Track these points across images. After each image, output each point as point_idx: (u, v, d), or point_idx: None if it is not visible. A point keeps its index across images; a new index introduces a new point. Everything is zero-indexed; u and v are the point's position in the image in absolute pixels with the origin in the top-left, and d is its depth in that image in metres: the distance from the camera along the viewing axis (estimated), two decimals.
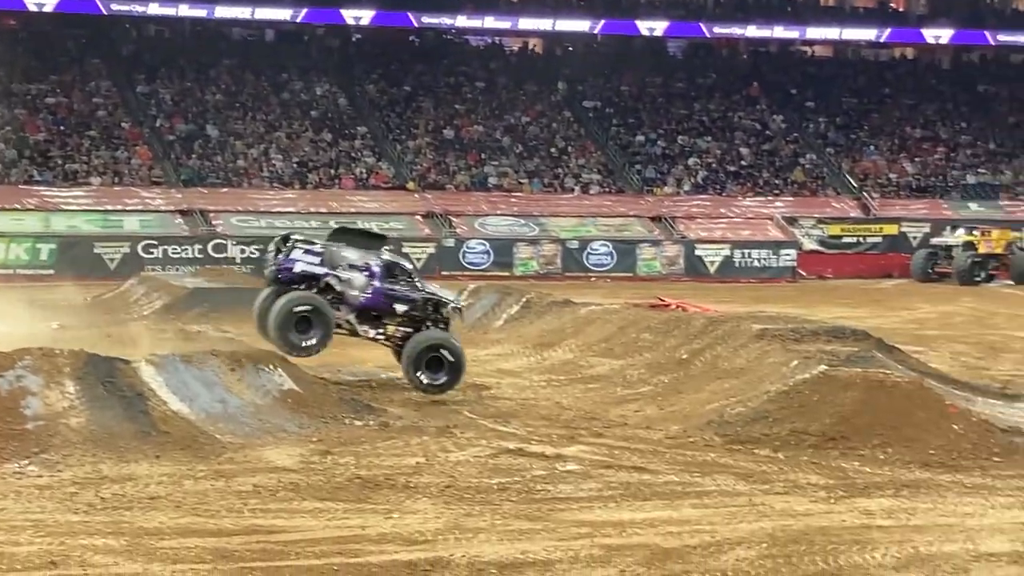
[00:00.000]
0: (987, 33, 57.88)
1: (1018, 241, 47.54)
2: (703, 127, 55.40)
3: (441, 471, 16.22)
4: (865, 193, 52.38)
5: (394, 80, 54.79)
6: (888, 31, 57.24)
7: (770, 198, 51.36)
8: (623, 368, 24.00)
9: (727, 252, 47.33)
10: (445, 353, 21.72)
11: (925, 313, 36.95)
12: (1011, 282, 45.94)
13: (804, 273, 48.21)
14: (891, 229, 49.96)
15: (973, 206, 50.75)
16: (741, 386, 20.89)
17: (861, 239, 50.11)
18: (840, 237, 49.97)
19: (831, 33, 57.60)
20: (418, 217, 47.52)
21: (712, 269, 46.86)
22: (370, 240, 23.97)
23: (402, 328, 22.51)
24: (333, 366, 22.71)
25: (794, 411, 18.97)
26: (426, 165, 50.98)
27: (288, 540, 13.06)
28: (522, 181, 50.86)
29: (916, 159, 54.89)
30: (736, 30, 56.84)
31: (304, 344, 21.49)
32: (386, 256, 23.29)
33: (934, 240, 48.20)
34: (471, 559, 12.62)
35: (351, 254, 22.64)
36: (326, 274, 22.15)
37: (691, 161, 53.08)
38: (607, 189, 51.28)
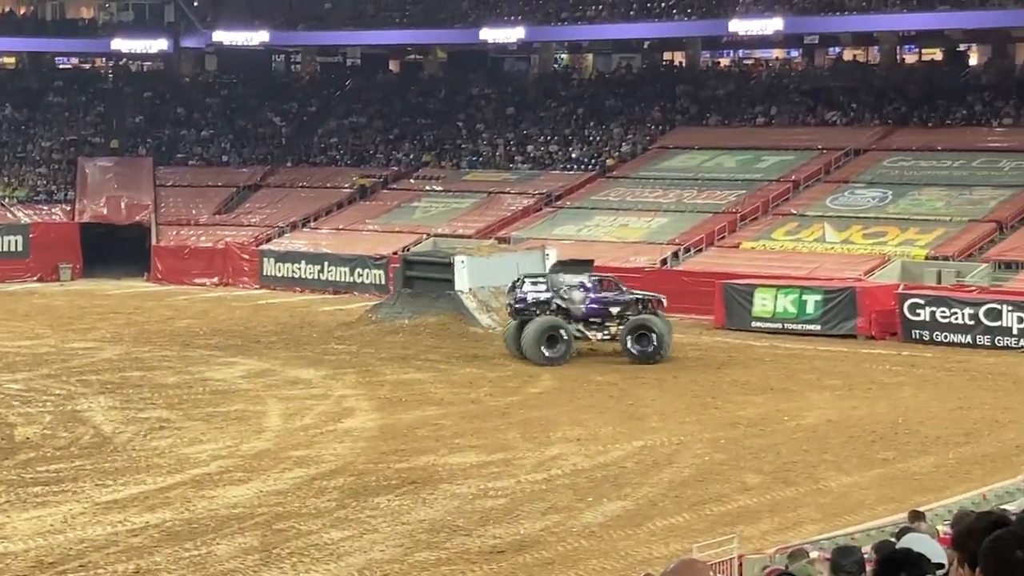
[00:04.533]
0: None
1: None
2: None
3: None
4: None
5: None
6: None
7: None
8: None
9: None
10: (650, 327, 30.35)
11: None
12: None
13: None
14: None
15: None
16: None
17: None
18: None
19: None
20: None
21: None
22: (581, 265, 32.60)
23: (621, 326, 30.76)
24: None
25: None
26: None
27: None
28: None
29: None
30: None
31: (551, 355, 30.25)
32: (594, 275, 31.91)
33: None
34: None
35: (567, 278, 31.00)
36: (552, 297, 30.60)
37: None
38: None
